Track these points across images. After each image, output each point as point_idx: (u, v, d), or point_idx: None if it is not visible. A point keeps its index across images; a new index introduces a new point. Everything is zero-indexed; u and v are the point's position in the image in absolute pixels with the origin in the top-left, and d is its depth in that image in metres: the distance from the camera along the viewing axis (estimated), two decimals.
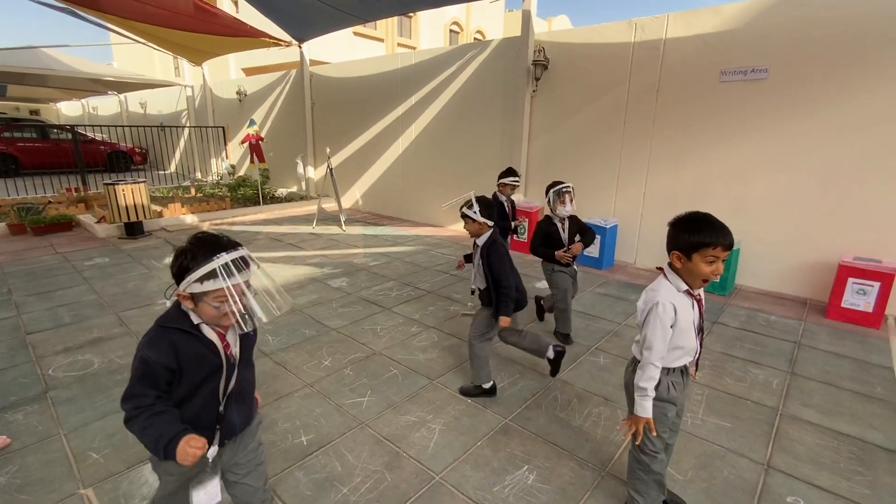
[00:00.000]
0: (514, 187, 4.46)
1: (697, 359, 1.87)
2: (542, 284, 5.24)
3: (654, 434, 1.82)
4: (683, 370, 1.87)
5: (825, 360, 3.52)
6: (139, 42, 9.95)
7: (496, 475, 2.32)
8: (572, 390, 3.09)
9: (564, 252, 3.60)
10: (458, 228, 8.00)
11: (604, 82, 5.88)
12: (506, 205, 4.48)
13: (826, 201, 4.61)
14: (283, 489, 2.20)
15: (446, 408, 2.87)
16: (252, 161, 9.09)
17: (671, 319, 1.71)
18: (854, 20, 4.25)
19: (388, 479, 2.28)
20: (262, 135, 10.75)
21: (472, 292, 3.07)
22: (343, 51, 16.05)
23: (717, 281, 1.68)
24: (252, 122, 8.99)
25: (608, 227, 5.73)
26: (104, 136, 14.55)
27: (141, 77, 14.11)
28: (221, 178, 12.25)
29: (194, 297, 1.32)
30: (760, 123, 4.86)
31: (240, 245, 1.36)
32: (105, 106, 19.80)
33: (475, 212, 2.81)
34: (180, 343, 1.35)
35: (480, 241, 2.88)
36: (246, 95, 11.98)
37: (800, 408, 2.90)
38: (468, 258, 3.26)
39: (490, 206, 2.84)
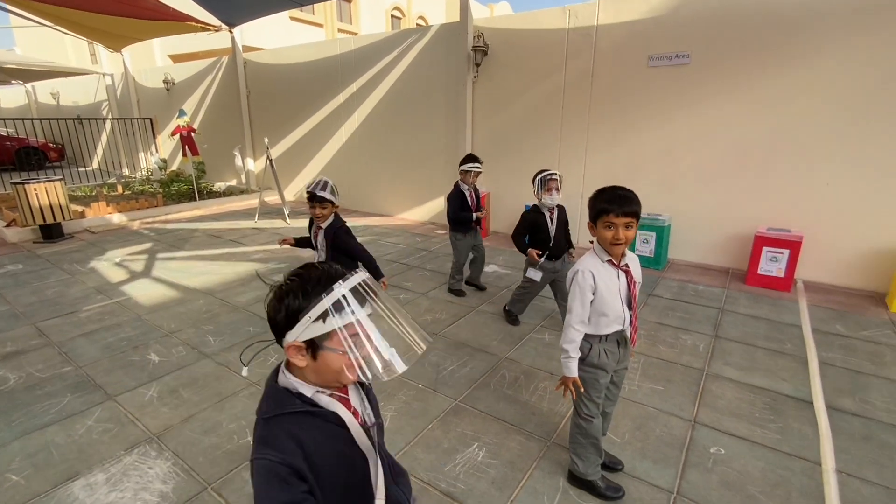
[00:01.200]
0: (476, 174, 4.24)
1: (633, 330, 1.98)
2: (490, 268, 5.34)
3: (582, 390, 1.95)
4: (620, 340, 1.99)
5: (744, 323, 3.86)
6: (46, 26, 9.03)
7: (447, 455, 2.37)
8: (519, 368, 3.20)
9: (538, 254, 3.51)
10: (409, 217, 7.97)
11: (542, 68, 6.00)
12: (468, 194, 4.27)
13: (743, 177, 5.00)
14: (230, 491, 2.14)
15: (397, 394, 2.89)
16: (185, 154, 8.55)
17: (590, 287, 1.84)
18: (763, 8, 4.58)
19: None
20: (195, 126, 10.14)
21: None
22: (280, 36, 15.34)
23: (620, 245, 1.82)
24: (182, 113, 8.44)
25: None
26: (10, 130, 13.15)
27: (51, 64, 12.82)
28: (152, 174, 11.44)
29: (313, 346, 0.97)
30: (685, 105, 5.16)
31: (353, 271, 1.03)
32: (9, 97, 17.84)
33: (333, 195, 3.00)
34: (303, 432, 0.98)
35: (326, 223, 3.08)
36: (174, 84, 11.20)
37: (722, 367, 3.17)
38: (300, 242, 3.28)
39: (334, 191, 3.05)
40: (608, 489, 2.08)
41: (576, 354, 1.90)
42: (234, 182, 10.74)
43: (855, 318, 3.94)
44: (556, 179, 3.41)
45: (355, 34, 17.89)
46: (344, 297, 0.95)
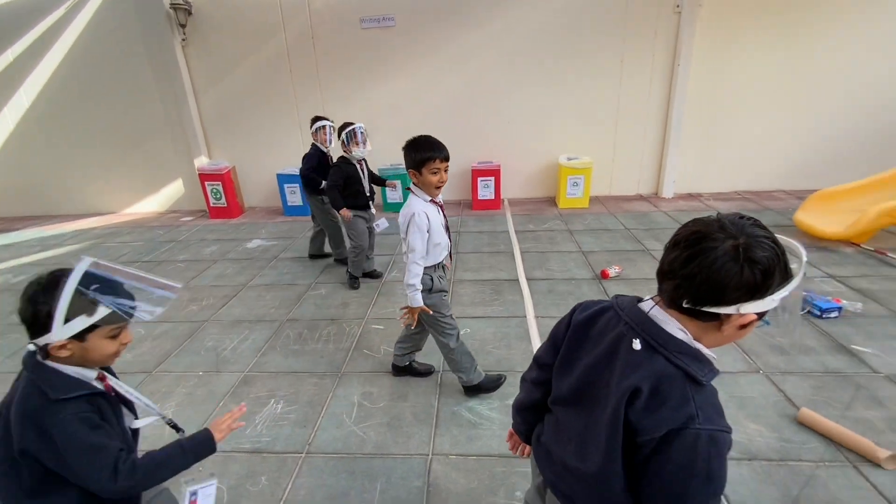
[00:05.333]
0: (331, 129, 4.07)
1: (451, 252, 2.36)
2: (253, 243, 5.17)
3: (431, 313, 2.25)
4: (443, 266, 2.35)
5: (474, 238, 4.92)
6: None
7: (246, 420, 2.43)
8: (301, 324, 3.36)
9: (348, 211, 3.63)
10: (141, 210, 6.80)
11: (259, 30, 5.77)
12: (329, 157, 4.10)
13: (456, 123, 6.08)
14: None
15: (175, 390, 2.70)
16: None
17: (426, 224, 2.10)
18: None
19: None
20: None
21: None
22: None
23: (442, 186, 2.10)
24: None
25: None
26: None
27: None
28: None
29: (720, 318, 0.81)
30: (401, 64, 5.85)
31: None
32: None
33: None
34: None
35: None
36: None
37: (463, 273, 4.04)
38: None
39: None
40: (491, 382, 2.49)
41: (420, 287, 2.16)
42: None
43: (539, 218, 5.49)
44: (364, 132, 3.59)
45: None
46: None
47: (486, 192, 5.81)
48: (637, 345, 0.87)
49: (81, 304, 1.02)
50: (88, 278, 1.03)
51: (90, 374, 1.13)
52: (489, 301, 3.53)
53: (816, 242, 4.23)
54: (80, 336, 1.05)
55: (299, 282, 4.08)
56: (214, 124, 6.28)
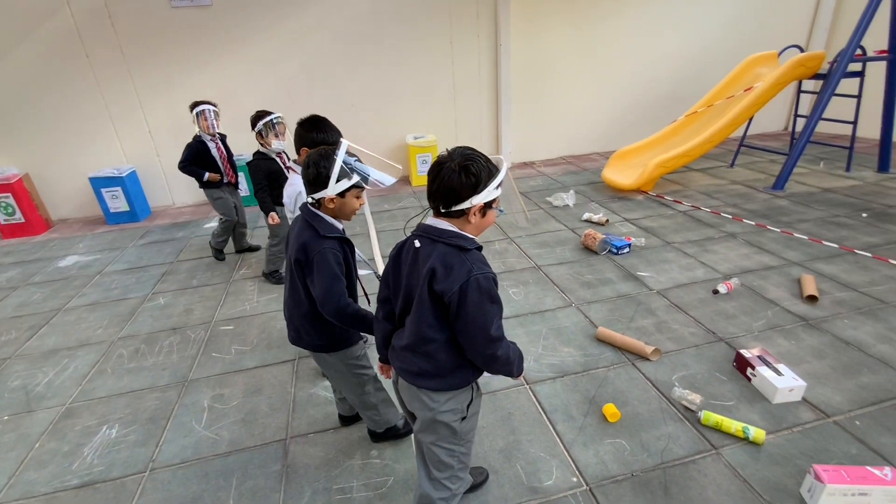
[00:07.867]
0: (216, 114, 3.70)
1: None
2: (69, 259, 4.44)
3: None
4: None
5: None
6: None
7: (71, 455, 2.17)
8: (137, 340, 3.05)
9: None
10: None
11: (31, 7, 4.79)
12: (213, 146, 3.75)
13: (297, 108, 5.65)
14: None
15: None
16: None
17: None
18: None
19: None
20: None
21: None
22: None
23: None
24: None
25: (125, 175, 5.25)
26: None
27: None
28: None
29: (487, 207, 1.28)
30: (226, 47, 5.37)
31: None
32: None
33: None
34: None
35: None
36: None
37: None
38: None
39: None
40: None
41: None
42: None
43: (394, 197, 5.65)
44: (284, 123, 3.33)
45: None
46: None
47: None
48: (417, 243, 1.27)
49: (344, 171, 1.50)
50: (347, 154, 1.52)
51: (339, 226, 1.63)
52: None
53: (618, 193, 5.11)
54: (342, 193, 1.53)
55: (132, 295, 3.65)
56: None
